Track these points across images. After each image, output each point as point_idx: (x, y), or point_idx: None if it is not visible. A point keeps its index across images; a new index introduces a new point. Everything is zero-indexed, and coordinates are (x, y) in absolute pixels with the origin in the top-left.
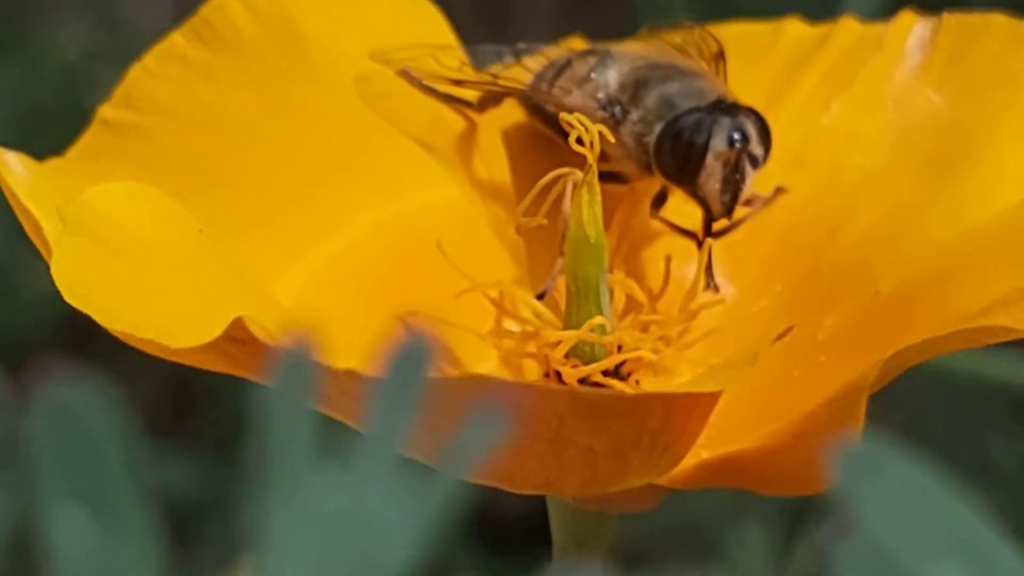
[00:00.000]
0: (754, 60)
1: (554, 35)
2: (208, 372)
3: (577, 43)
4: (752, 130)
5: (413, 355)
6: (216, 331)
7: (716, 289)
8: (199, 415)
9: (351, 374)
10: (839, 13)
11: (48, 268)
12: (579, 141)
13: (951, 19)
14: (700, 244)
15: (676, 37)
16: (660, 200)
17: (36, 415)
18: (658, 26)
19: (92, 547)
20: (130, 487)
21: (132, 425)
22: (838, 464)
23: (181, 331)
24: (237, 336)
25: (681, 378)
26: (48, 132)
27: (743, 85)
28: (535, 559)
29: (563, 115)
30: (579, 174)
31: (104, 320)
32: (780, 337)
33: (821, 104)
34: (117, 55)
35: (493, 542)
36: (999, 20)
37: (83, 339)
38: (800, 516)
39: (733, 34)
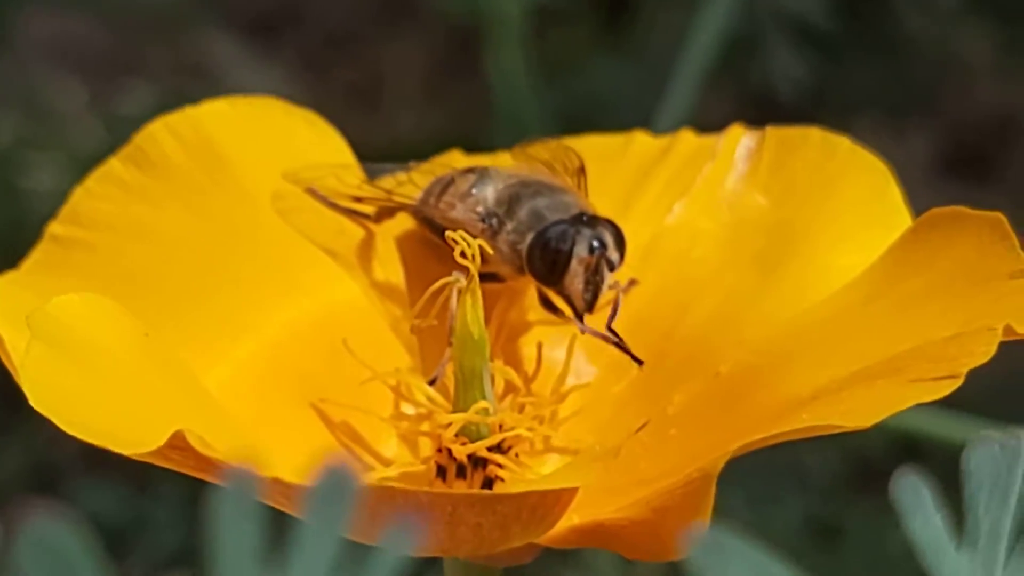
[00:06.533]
0: (608, 168)
1: (420, 116)
2: None
3: (458, 158)
4: (609, 239)
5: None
6: (159, 441)
7: None
8: None
9: (288, 485)
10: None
11: None
12: (463, 254)
13: (774, 132)
14: (583, 329)
15: (543, 153)
16: (545, 299)
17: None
18: (528, 143)
19: None
20: None
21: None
22: (691, 543)
23: (129, 439)
24: (177, 444)
25: (553, 453)
26: None
27: (600, 190)
28: None
29: (448, 232)
30: (463, 281)
31: (63, 425)
32: (639, 430)
33: (666, 207)
34: (43, 140)
35: None
36: (815, 133)
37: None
38: None
39: (590, 145)
